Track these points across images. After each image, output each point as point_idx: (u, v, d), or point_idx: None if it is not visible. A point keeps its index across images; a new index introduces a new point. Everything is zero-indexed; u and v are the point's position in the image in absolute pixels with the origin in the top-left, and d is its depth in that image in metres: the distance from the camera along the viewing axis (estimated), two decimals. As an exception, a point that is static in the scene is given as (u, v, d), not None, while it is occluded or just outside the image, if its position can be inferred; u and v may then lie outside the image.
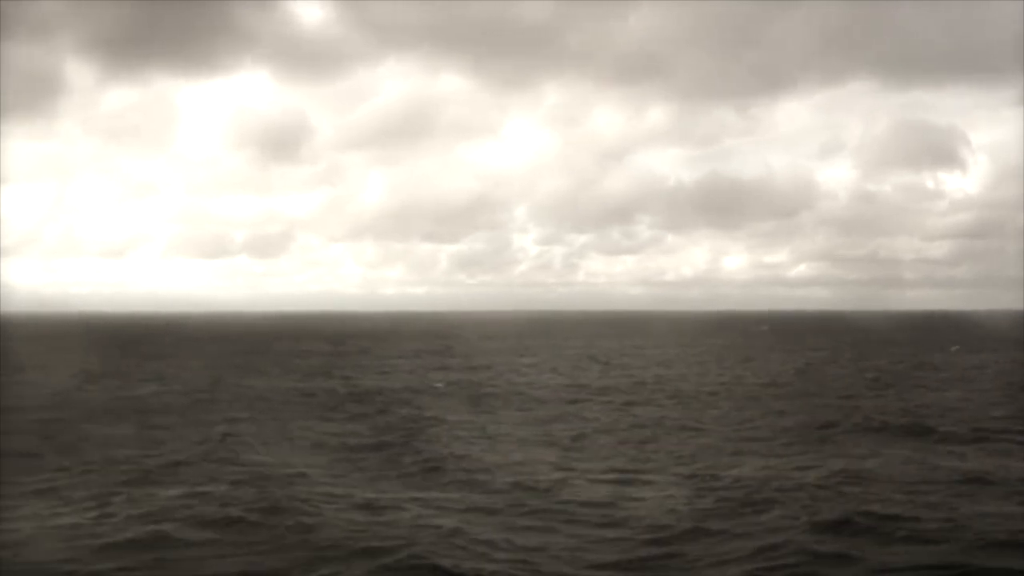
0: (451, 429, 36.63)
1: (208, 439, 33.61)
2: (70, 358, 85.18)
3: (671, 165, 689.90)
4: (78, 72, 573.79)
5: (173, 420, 39.60)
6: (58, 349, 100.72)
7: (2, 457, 30.28)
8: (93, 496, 24.45)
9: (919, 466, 27.58)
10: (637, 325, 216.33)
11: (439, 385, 55.55)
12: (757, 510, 22.24)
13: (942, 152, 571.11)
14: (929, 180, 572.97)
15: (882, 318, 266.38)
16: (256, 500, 23.01)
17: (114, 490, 25.13)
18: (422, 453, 30.57)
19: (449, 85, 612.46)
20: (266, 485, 24.85)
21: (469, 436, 34.81)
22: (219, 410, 43.22)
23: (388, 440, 33.52)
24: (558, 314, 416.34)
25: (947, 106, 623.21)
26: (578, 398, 47.84)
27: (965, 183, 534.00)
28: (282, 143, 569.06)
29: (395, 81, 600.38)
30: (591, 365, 74.71)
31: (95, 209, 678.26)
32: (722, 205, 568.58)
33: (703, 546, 19.56)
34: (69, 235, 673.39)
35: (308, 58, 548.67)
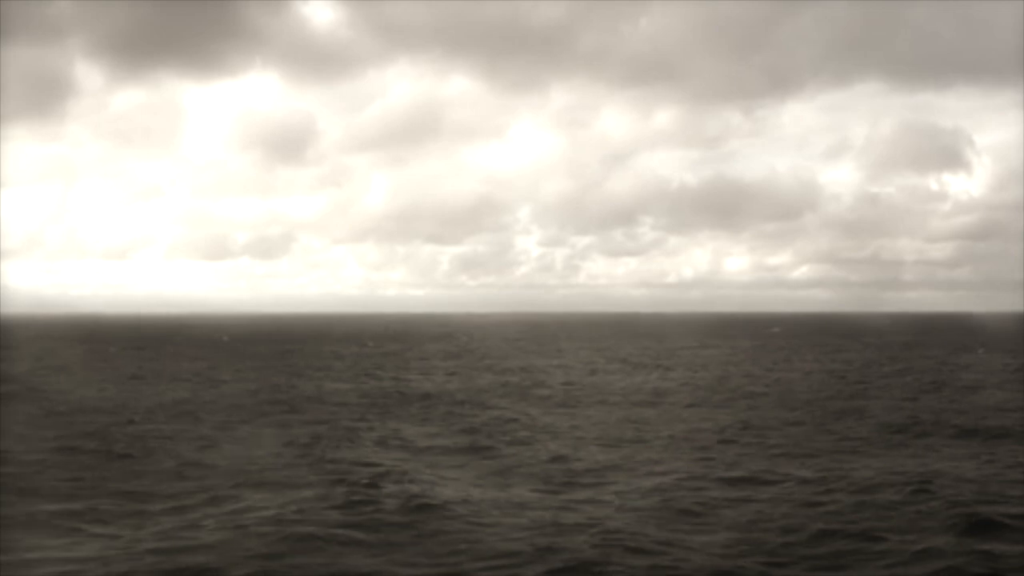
0: (531, 429, 36.78)
1: (293, 441, 33.68)
2: (102, 359, 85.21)
3: (676, 167, 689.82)
4: (87, 74, 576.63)
5: (242, 421, 39.66)
6: (83, 350, 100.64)
7: (94, 458, 30.34)
8: (210, 499, 24.43)
9: (1028, 467, 27.72)
10: (645, 327, 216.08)
11: (490, 386, 55.61)
12: (889, 512, 22.29)
13: (947, 154, 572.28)
14: (933, 182, 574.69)
15: (887, 320, 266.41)
16: (386, 500, 23.10)
17: (227, 493, 25.10)
18: (518, 455, 30.71)
19: (458, 87, 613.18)
20: (386, 485, 24.93)
21: (553, 436, 34.90)
22: (283, 411, 43.34)
23: (478, 441, 33.64)
24: (559, 316, 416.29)
25: (953, 108, 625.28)
26: (640, 400, 47.89)
27: (969, 185, 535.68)
28: (288, 145, 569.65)
29: (404, 83, 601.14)
30: (629, 367, 74.78)
31: (99, 211, 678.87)
32: (726, 207, 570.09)
33: (850, 547, 19.58)
34: (72, 237, 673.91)
35: (318, 60, 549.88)
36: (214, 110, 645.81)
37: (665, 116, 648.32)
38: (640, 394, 51.09)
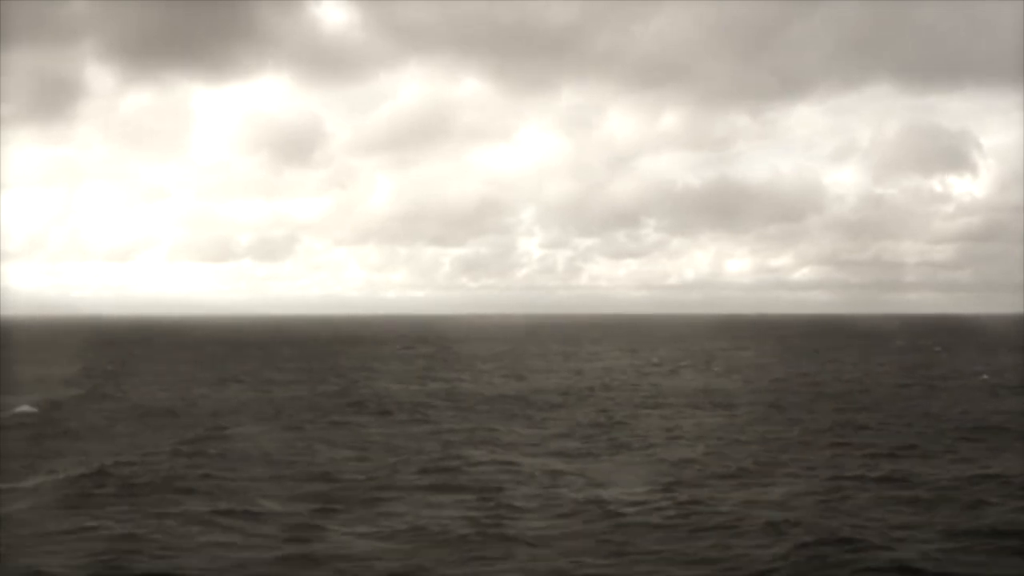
0: (630, 431, 37.09)
1: (391, 443, 34.17)
2: (142, 361, 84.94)
3: (683, 169, 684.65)
4: (98, 77, 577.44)
5: (334, 423, 39.66)
6: (120, 353, 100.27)
7: (215, 460, 30.28)
8: (366, 502, 24.43)
9: None
10: (657, 329, 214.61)
11: (556, 388, 55.59)
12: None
13: (953, 156, 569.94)
14: (938, 184, 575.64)
15: (897, 322, 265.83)
16: (564, 503, 23.31)
17: (371, 496, 25.14)
18: (640, 455, 31.17)
19: (468, 89, 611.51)
20: (550, 483, 25.19)
21: (661, 438, 35.08)
22: (368, 412, 43.50)
23: (595, 443, 34.03)
24: (563, 318, 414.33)
25: (962, 110, 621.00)
26: (717, 402, 47.77)
27: (974, 187, 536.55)
28: (296, 147, 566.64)
29: (414, 85, 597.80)
30: (678, 369, 74.73)
31: (104, 213, 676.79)
32: (730, 209, 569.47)
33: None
34: (75, 239, 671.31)
35: (331, 62, 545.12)
36: (224, 112, 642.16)
37: (673, 118, 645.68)
38: (713, 396, 51.08)
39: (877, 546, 18.80)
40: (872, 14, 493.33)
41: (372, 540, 20.64)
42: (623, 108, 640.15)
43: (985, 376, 62.48)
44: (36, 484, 26.09)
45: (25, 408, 42.96)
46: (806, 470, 28.16)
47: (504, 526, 21.24)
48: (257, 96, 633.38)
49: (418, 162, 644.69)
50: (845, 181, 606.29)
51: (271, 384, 59.71)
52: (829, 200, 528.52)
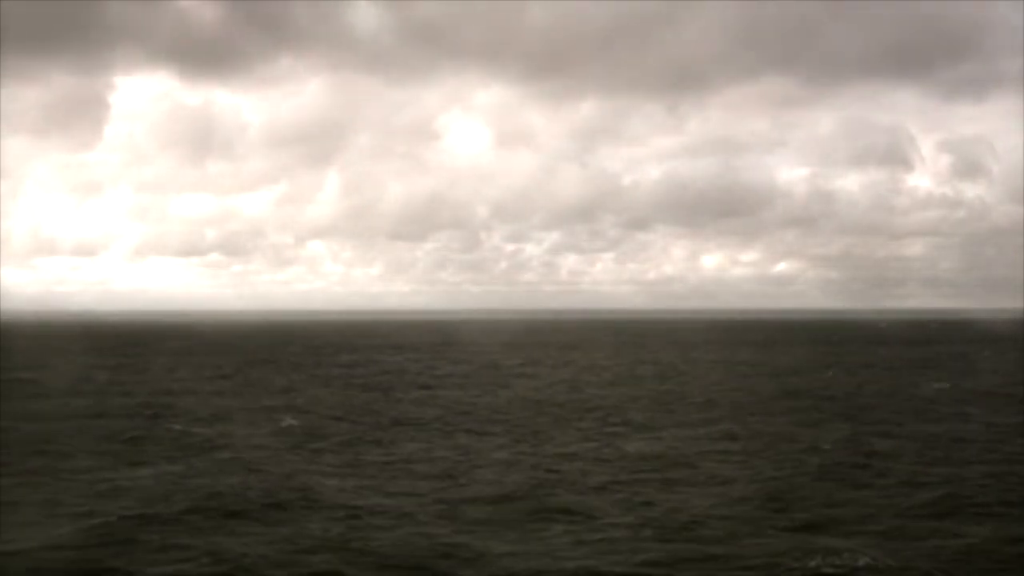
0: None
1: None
2: (252, 367, 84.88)
3: (695, 173, 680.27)
4: (121, 84, 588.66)
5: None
6: (200, 360, 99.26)
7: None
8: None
9: None
10: (684, 333, 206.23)
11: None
12: None
13: (966, 161, 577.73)
14: (949, 189, 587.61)
15: (934, 327, 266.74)
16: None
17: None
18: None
19: (492, 94, 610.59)
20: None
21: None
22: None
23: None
24: (569, 322, 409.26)
25: (978, 114, 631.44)
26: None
27: (983, 191, 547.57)
28: (314, 150, 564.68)
29: (439, 90, 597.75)
30: (805, 372, 75.68)
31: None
32: (741, 212, 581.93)
33: None
34: (77, 240, 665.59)
35: (363, 66, 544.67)
36: (241, 115, 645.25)
37: (692, 123, 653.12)
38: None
39: None
40: (894, 20, 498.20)
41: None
42: (643, 113, 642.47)
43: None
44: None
45: (291, 421, 43.22)
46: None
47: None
48: (280, 101, 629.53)
49: (434, 166, 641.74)
50: (857, 185, 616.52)
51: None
52: (839, 204, 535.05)
